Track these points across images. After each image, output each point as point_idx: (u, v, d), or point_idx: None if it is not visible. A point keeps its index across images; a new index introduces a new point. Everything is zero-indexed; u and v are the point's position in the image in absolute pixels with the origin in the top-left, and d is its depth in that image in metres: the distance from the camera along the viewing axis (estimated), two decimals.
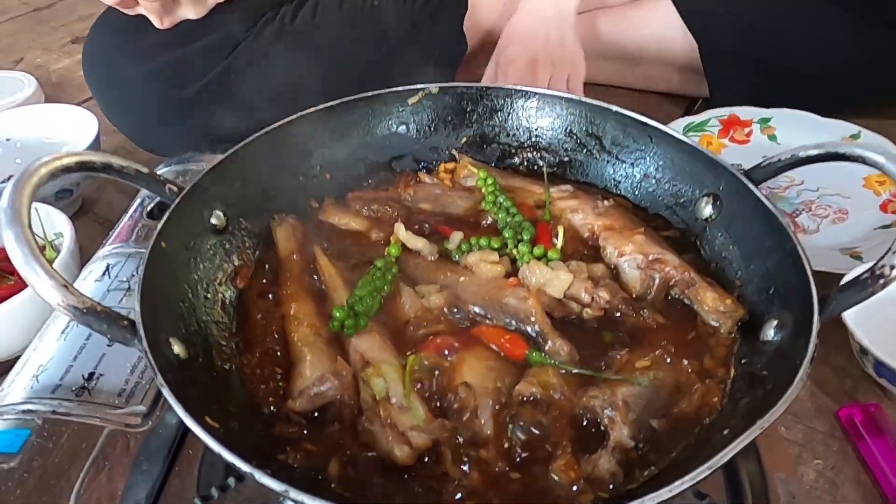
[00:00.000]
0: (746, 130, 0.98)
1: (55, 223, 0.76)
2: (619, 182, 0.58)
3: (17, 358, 0.68)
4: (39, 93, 1.16)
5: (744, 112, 0.99)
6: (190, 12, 0.65)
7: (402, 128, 0.60)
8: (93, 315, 0.38)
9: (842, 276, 0.69)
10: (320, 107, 0.56)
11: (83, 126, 0.91)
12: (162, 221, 0.45)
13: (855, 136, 0.93)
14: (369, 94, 0.58)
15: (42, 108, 0.96)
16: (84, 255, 0.74)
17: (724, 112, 0.99)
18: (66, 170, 0.43)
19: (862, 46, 0.95)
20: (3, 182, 0.90)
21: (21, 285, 0.74)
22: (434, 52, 0.92)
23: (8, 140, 0.94)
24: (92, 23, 1.45)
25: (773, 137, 0.97)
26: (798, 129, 0.96)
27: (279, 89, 0.84)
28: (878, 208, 0.85)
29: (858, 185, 0.89)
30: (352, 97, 0.57)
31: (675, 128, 0.95)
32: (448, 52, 0.94)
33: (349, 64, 0.87)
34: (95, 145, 0.88)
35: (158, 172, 0.74)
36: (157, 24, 0.64)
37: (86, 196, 0.93)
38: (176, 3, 0.63)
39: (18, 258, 0.37)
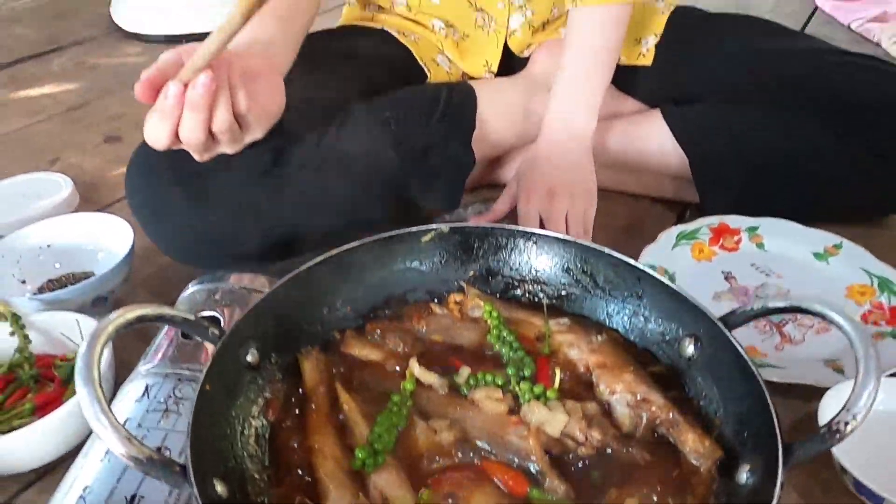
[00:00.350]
0: (735, 238, 1.04)
1: None
2: (612, 316, 0.65)
3: (57, 461, 0.74)
4: (75, 193, 1.24)
5: (733, 220, 1.05)
6: (227, 149, 0.72)
7: (416, 263, 0.67)
8: (150, 464, 0.43)
9: (825, 390, 0.74)
10: (345, 247, 0.63)
11: (118, 233, 0.99)
12: (207, 366, 0.51)
13: (837, 247, 1.00)
14: (388, 234, 0.65)
15: (80, 216, 1.04)
16: (116, 358, 0.80)
17: (715, 220, 1.06)
18: (128, 325, 0.49)
19: (842, 163, 1.03)
20: (41, 292, 0.98)
21: (61, 390, 0.81)
22: (445, 167, 1.01)
23: (49, 246, 1.02)
24: (122, 122, 1.55)
25: (760, 245, 1.04)
26: (784, 237, 1.03)
27: (304, 207, 0.92)
28: (860, 319, 0.90)
29: (841, 295, 0.95)
30: (372, 238, 0.64)
31: (669, 236, 1.03)
32: (457, 168, 1.02)
33: (369, 180, 0.95)
34: (131, 254, 0.95)
35: (190, 290, 0.81)
36: (196, 158, 0.71)
37: (117, 299, 1.00)
38: (215, 142, 0.70)
39: (89, 413, 0.43)
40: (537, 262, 0.67)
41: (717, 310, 0.55)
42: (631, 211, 1.17)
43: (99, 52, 1.90)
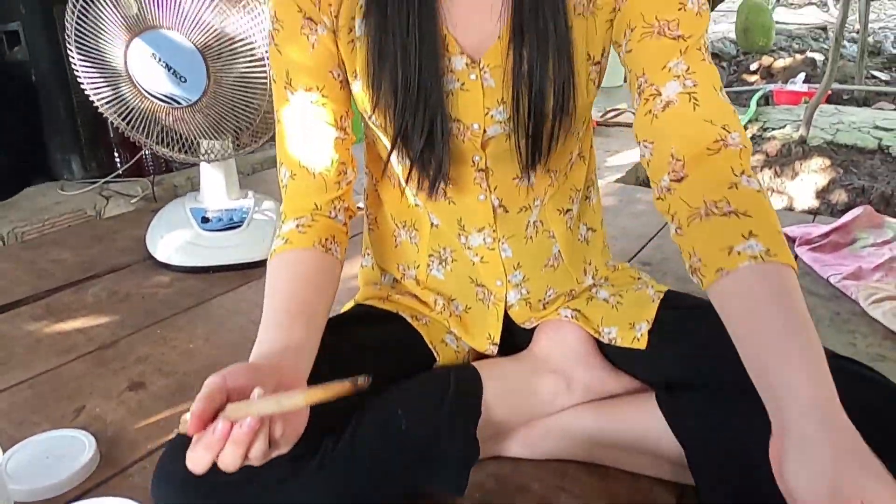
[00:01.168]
0: None
1: None
2: None
3: None
4: (97, 454, 1.30)
5: None
6: (255, 463, 0.78)
7: None
8: None
9: None
10: None
11: None
12: None
13: None
14: None
15: (102, 500, 1.09)
16: None
17: None
18: None
19: None
20: None
21: None
22: (451, 456, 1.08)
23: None
24: (146, 365, 1.63)
25: None
26: None
27: None
28: None
29: None
30: None
31: None
32: (463, 459, 1.09)
33: (376, 483, 1.02)
34: None
35: None
36: (226, 470, 0.77)
37: None
38: (246, 459, 0.76)
39: None
40: None
41: None
42: (631, 491, 1.21)
43: (131, 281, 2.03)
